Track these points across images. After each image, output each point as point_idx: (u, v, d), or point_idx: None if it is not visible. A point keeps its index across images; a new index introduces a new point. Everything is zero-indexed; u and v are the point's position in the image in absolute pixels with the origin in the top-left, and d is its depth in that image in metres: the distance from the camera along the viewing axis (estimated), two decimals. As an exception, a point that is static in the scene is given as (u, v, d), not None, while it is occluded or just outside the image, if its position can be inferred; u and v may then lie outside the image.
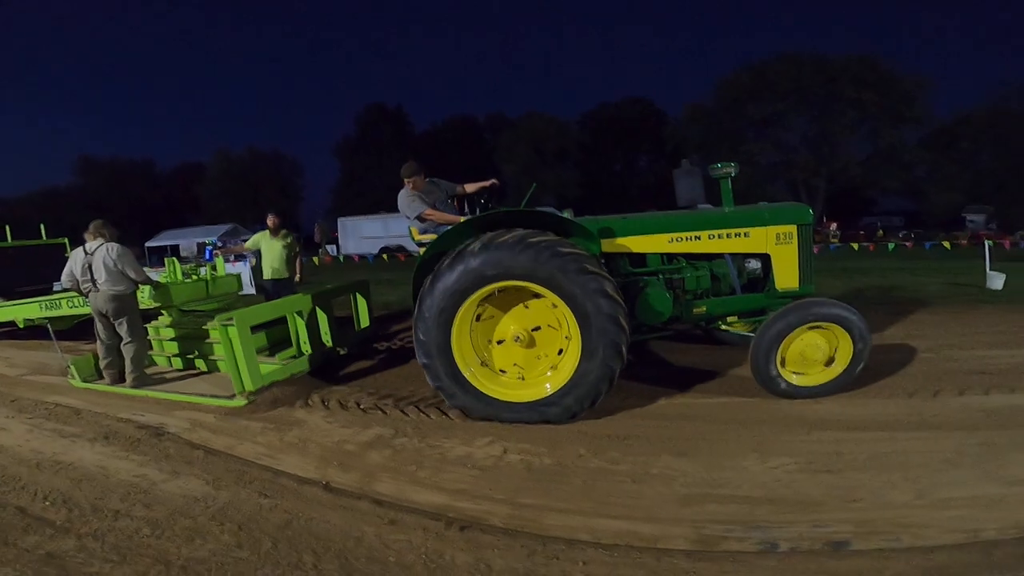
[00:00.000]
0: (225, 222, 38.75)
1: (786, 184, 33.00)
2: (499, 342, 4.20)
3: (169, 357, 5.84)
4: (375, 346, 6.59)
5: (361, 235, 28.02)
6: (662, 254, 4.45)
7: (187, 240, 34.14)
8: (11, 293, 7.74)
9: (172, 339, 5.76)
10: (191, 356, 5.68)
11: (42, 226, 9.79)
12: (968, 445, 3.28)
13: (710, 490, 2.96)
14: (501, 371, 4.17)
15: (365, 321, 6.52)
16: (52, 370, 6.22)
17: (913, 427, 3.59)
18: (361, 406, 4.53)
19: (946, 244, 15.15)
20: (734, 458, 3.28)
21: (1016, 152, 28.87)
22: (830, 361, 4.08)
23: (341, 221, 30.23)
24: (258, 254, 7.16)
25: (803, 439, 3.49)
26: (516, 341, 4.11)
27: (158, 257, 31.06)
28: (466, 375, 3.96)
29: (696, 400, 4.31)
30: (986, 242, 10.04)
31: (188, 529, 2.80)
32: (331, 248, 30.15)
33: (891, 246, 15.14)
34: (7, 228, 9.54)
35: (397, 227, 26.23)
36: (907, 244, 17.21)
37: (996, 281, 8.82)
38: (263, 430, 4.15)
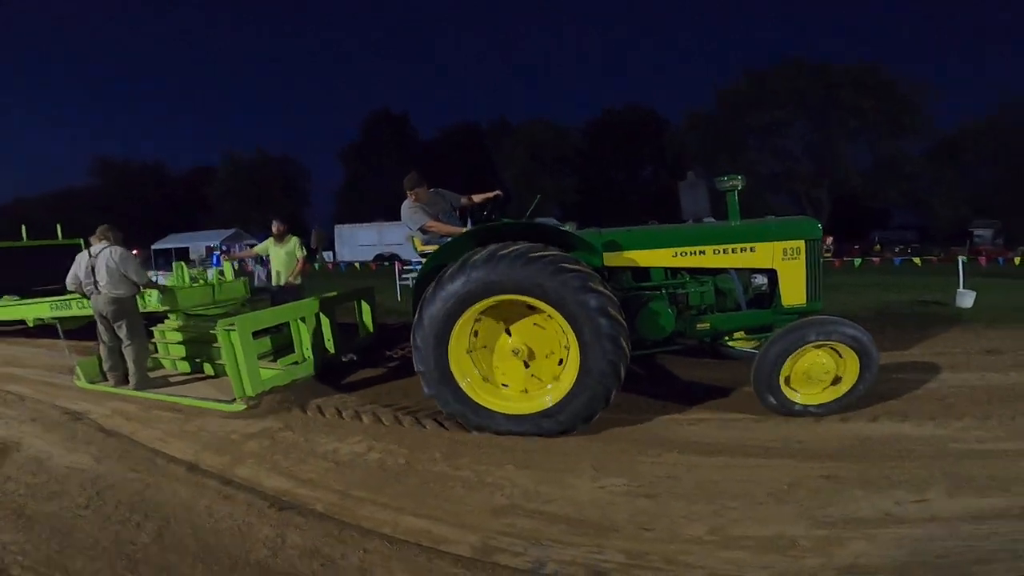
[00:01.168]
0: (233, 226, 39.60)
1: (788, 196, 32.78)
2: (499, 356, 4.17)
3: (175, 360, 5.89)
4: (388, 352, 6.62)
5: (357, 243, 28.86)
6: (666, 268, 4.37)
7: (192, 244, 34.63)
8: (27, 292, 7.80)
9: (178, 343, 5.82)
10: (196, 360, 5.74)
11: (58, 226, 9.88)
12: (810, 477, 3.12)
13: (526, 503, 3.04)
14: (504, 385, 4.14)
15: (370, 327, 6.54)
16: (22, 362, 6.91)
17: (767, 454, 3.49)
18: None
19: (916, 261, 14.90)
20: (571, 474, 3.33)
21: (1021, 165, 28.60)
22: (836, 380, 3.98)
23: (338, 228, 30.69)
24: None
25: (650, 460, 3.48)
26: (515, 355, 4.09)
27: (164, 260, 31.36)
28: (462, 385, 3.93)
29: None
30: (959, 258, 9.77)
31: (53, 491, 3.37)
32: (327, 255, 30.34)
33: (857, 262, 14.66)
34: (23, 227, 9.66)
35: (391, 235, 27.45)
36: (874, 260, 16.55)
37: (965, 299, 8.50)
38: (171, 419, 4.64)
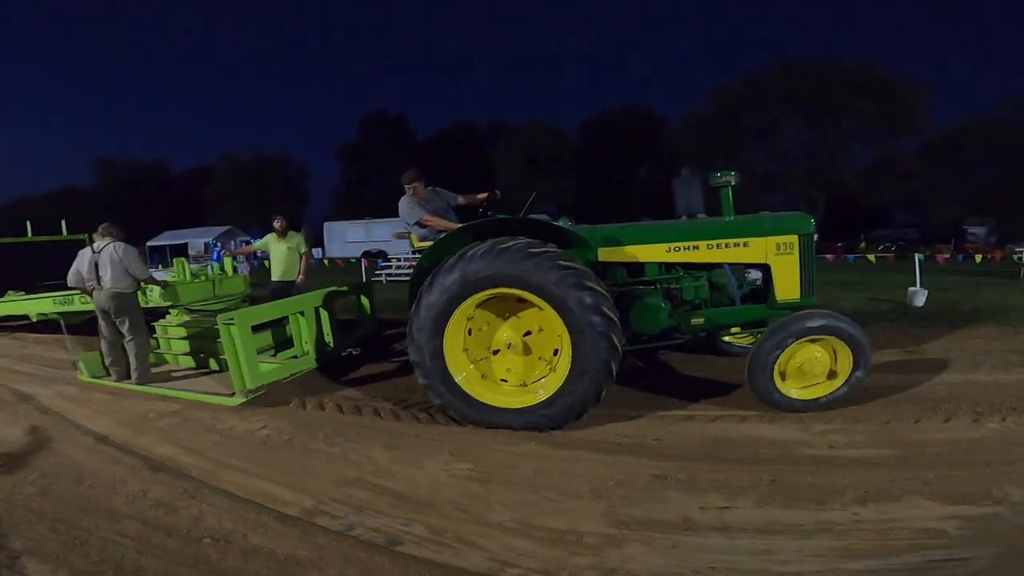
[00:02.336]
0: (234, 224, 40.69)
1: (785, 196, 32.74)
2: (495, 352, 4.23)
3: (176, 355, 5.96)
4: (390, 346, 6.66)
5: (345, 240, 29.40)
6: (660, 264, 4.40)
7: (186, 240, 35.00)
8: (33, 288, 7.83)
9: (179, 338, 5.88)
10: (201, 355, 5.81)
11: (63, 222, 9.89)
12: (641, 476, 3.21)
13: (371, 478, 3.35)
14: (503, 380, 4.19)
15: (367, 322, 6.61)
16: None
17: (617, 450, 3.60)
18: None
19: (870, 258, 14.83)
20: (428, 457, 3.58)
21: (1017, 164, 28.67)
22: (832, 374, 3.99)
23: (327, 225, 31.09)
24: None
25: (504, 450, 3.66)
26: (509, 348, 4.13)
27: (160, 256, 31.55)
28: (457, 378, 3.97)
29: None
30: (916, 256, 9.59)
31: (-29, 455, 3.87)
32: (316, 251, 30.62)
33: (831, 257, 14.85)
34: (28, 224, 9.68)
35: (379, 232, 28.40)
36: (828, 257, 16.27)
37: (918, 298, 8.32)
38: (105, 400, 5.12)
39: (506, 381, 4.17)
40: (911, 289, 8.53)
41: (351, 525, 2.82)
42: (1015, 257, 16.47)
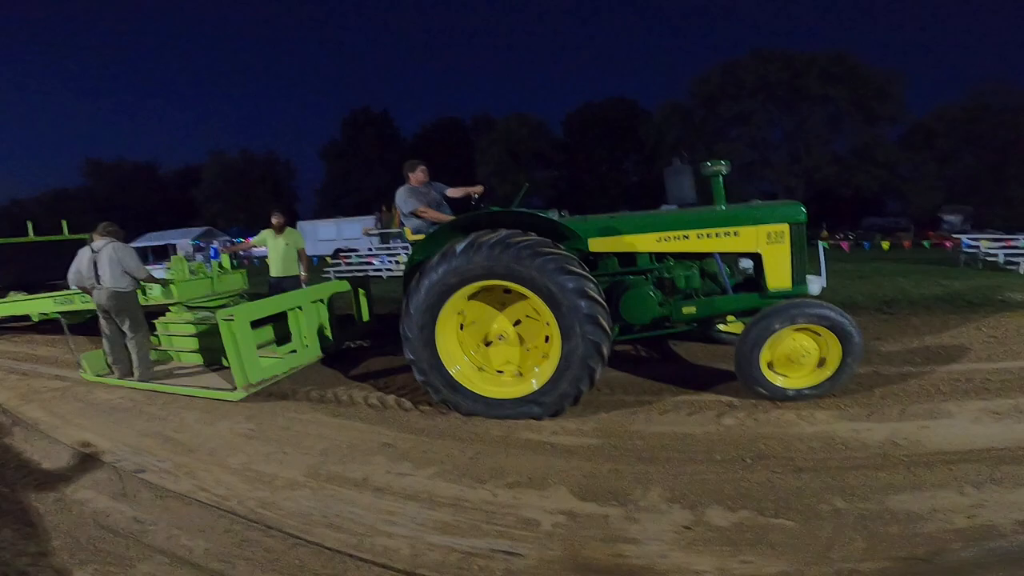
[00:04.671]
0: (219, 223, 41.55)
1: (763, 184, 32.93)
2: (487, 343, 4.25)
3: (177, 352, 6.04)
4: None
5: (318, 238, 29.91)
6: (651, 254, 4.39)
7: (166, 242, 35.36)
8: (38, 288, 7.77)
9: (181, 335, 5.96)
10: (197, 351, 5.89)
11: (64, 223, 9.88)
12: (373, 442, 3.77)
13: (170, 433, 4.19)
14: (499, 371, 4.22)
15: (366, 316, 6.64)
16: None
17: (376, 420, 4.17)
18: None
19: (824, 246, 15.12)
20: (227, 419, 4.34)
21: (993, 150, 29.09)
22: (822, 362, 3.98)
23: (300, 224, 31.51)
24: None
25: (294, 417, 4.32)
26: (500, 339, 4.16)
27: (142, 257, 31.46)
28: (452, 372, 4.01)
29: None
30: (820, 244, 9.78)
31: None
32: None
33: None
34: (29, 224, 9.62)
35: (349, 231, 29.91)
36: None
37: (813, 286, 8.41)
38: (17, 380, 5.96)
39: (502, 372, 4.20)
40: (809, 276, 8.66)
41: (120, 459, 3.73)
42: (924, 243, 16.94)
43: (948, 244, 14.97)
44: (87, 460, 3.75)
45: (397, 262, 15.83)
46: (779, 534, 2.49)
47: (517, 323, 4.21)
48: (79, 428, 4.39)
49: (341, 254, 19.10)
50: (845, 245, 15.87)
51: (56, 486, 3.40)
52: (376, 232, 28.58)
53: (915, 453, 3.17)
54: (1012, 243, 12.67)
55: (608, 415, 3.98)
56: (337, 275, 15.08)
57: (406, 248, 16.94)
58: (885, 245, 15.91)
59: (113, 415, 4.69)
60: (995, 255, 12.26)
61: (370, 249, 20.64)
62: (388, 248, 19.92)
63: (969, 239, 13.71)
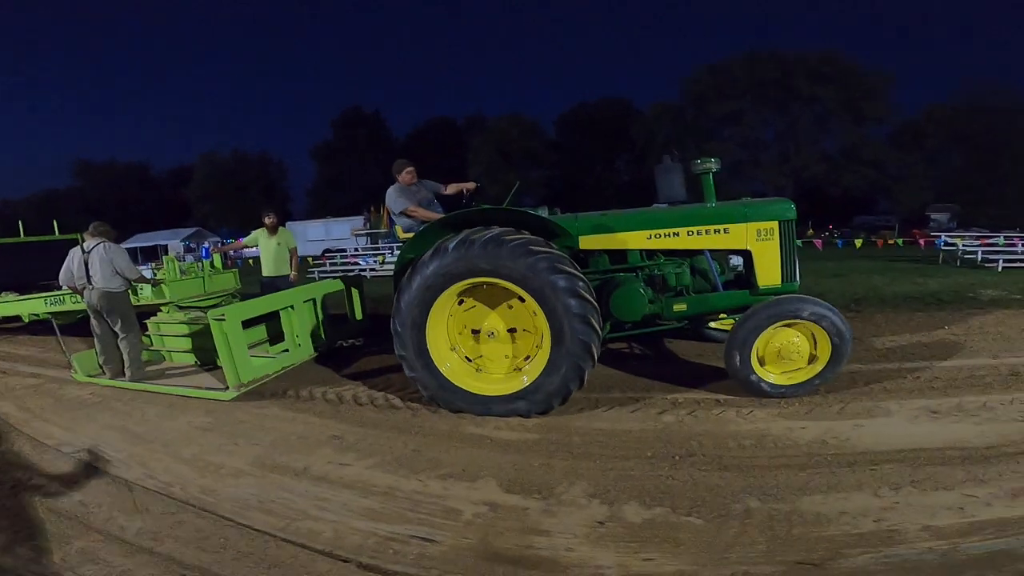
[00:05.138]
0: (211, 223, 41.98)
1: (755, 183, 33.01)
2: (475, 331, 4.26)
3: (168, 352, 6.02)
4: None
5: (307, 238, 30.33)
6: (641, 251, 4.40)
7: (155, 243, 35.65)
8: (30, 289, 7.72)
9: (172, 335, 5.93)
10: (189, 351, 5.87)
11: (55, 222, 9.82)
12: (323, 435, 3.91)
13: (131, 426, 4.34)
14: (487, 368, 4.22)
15: (359, 315, 6.63)
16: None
17: (330, 415, 4.30)
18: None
19: (799, 243, 15.32)
20: (187, 414, 4.50)
21: (981, 149, 29.32)
22: (813, 359, 4.00)
23: (289, 225, 31.58)
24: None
25: (253, 411, 4.45)
26: (490, 337, 4.16)
27: (131, 258, 31.59)
28: (442, 369, 4.02)
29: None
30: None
31: None
32: None
33: None
34: (20, 224, 9.58)
35: (338, 231, 30.56)
36: None
37: None
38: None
39: (489, 371, 4.18)
40: None
41: (78, 450, 3.88)
42: (897, 241, 17.18)
43: (922, 242, 15.17)
44: (47, 451, 3.94)
45: (380, 262, 16.10)
46: (687, 532, 2.53)
47: (512, 330, 4.19)
48: (46, 422, 4.55)
49: (326, 254, 19.32)
50: (819, 243, 16.05)
51: (13, 474, 3.57)
52: (364, 232, 28.63)
53: (842, 453, 3.17)
54: (987, 241, 12.87)
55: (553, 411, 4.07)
56: (322, 275, 15.15)
57: (391, 248, 17.31)
58: (858, 243, 16.13)
59: (81, 410, 4.82)
60: (973, 253, 12.44)
61: (356, 249, 20.87)
62: (376, 248, 20.17)
63: (946, 236, 13.93)
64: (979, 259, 12.22)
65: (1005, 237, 12.83)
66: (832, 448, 3.24)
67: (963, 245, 12.84)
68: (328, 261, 17.38)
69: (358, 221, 30.96)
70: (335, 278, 6.67)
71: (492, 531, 2.64)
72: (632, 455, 3.31)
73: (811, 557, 2.29)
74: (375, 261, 16.46)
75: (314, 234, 31.15)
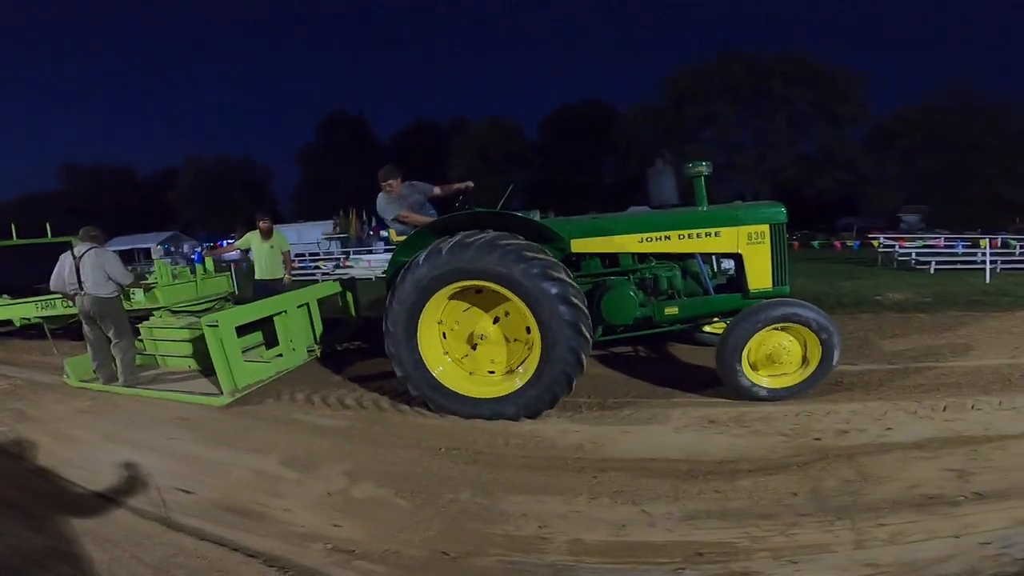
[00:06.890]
0: (192, 228, 42.11)
1: (735, 185, 33.25)
2: (474, 346, 4.24)
3: (161, 357, 5.98)
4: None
5: None
6: (633, 254, 4.41)
7: (134, 245, 35.55)
8: (24, 292, 7.56)
9: (163, 340, 5.90)
10: (183, 355, 5.81)
11: (47, 225, 9.67)
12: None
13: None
14: (481, 371, 4.21)
15: (354, 313, 6.65)
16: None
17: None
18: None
19: None
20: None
21: (952, 150, 29.89)
22: (804, 361, 4.01)
23: None
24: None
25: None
26: (482, 339, 4.16)
27: None
28: (432, 371, 4.02)
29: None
30: None
31: None
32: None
33: None
34: (12, 226, 9.40)
35: (309, 235, 30.81)
36: None
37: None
38: None
39: (494, 372, 4.20)
40: None
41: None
42: (814, 244, 17.78)
43: (838, 244, 15.81)
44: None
45: (338, 266, 17.04)
46: (388, 510, 2.81)
47: (496, 320, 4.21)
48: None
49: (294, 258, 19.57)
50: (796, 244, 16.49)
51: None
52: (335, 236, 28.51)
53: (585, 458, 3.25)
54: (929, 242, 13.27)
55: (374, 401, 4.47)
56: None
57: (347, 253, 18.79)
58: (816, 244, 16.62)
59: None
60: (908, 255, 12.72)
61: (316, 254, 21.28)
62: (344, 252, 20.54)
63: (886, 238, 14.35)
64: (912, 262, 12.50)
65: (932, 238, 13.20)
66: (582, 453, 3.33)
67: (899, 249, 13.21)
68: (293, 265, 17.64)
69: (329, 226, 30.79)
70: (338, 279, 6.68)
71: (243, 490, 3.11)
72: (408, 445, 3.58)
73: (457, 549, 2.44)
74: (333, 266, 17.17)
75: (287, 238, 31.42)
